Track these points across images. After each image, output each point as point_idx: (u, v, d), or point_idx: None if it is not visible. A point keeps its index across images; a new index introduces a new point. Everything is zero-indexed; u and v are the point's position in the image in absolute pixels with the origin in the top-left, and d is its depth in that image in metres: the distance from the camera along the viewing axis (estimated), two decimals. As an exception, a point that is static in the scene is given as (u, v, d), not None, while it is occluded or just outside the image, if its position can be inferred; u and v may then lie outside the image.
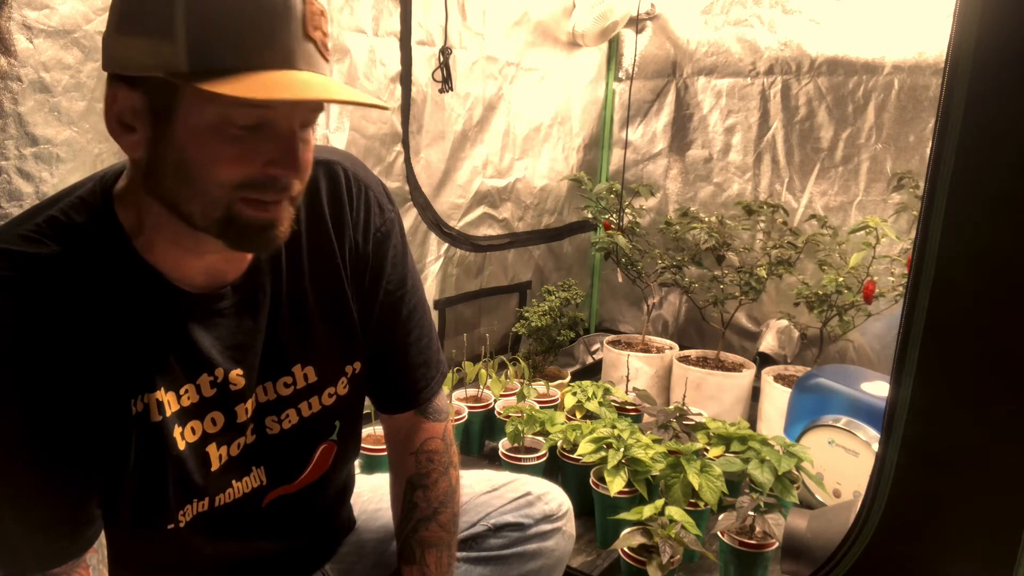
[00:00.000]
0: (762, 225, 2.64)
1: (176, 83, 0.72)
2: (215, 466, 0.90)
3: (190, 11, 0.71)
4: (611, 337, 2.89)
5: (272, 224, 0.80)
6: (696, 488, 1.63)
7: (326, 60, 0.79)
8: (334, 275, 0.97)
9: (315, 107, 0.81)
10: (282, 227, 0.82)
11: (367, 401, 1.10)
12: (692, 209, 2.78)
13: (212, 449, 0.90)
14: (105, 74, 0.78)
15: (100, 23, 1.40)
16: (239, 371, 0.90)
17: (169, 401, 0.85)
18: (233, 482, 0.94)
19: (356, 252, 0.99)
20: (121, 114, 0.77)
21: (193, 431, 0.88)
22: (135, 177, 0.81)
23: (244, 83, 0.71)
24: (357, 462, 1.83)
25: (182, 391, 0.86)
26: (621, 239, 2.63)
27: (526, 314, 2.64)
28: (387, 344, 1.05)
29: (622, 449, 1.76)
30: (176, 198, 0.78)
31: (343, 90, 0.78)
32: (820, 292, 2.33)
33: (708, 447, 1.91)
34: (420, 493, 1.08)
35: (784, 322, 2.66)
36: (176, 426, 0.86)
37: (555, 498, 1.22)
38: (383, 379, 1.07)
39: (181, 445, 0.87)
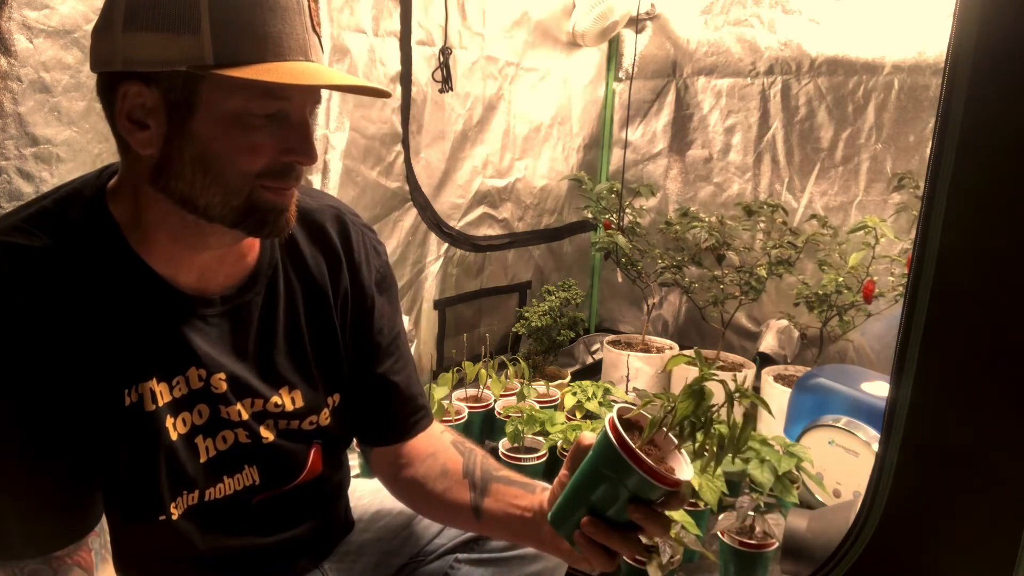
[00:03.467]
0: (762, 225, 2.64)
1: (198, 75, 0.74)
2: (203, 458, 0.91)
3: (214, 5, 0.73)
4: (611, 337, 2.89)
5: (286, 208, 0.85)
6: (696, 488, 1.63)
7: (323, 51, 0.84)
8: (328, 311, 1.01)
9: (319, 97, 0.85)
10: (292, 211, 0.86)
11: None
12: (692, 209, 2.77)
13: (200, 441, 0.91)
14: (89, 52, 0.79)
15: (100, 23, 1.40)
16: (221, 376, 0.91)
17: (161, 392, 0.86)
18: (224, 478, 0.94)
19: (361, 290, 1.04)
20: (132, 111, 0.78)
21: (184, 422, 0.89)
22: (139, 173, 0.82)
23: (272, 71, 0.74)
24: (357, 464, 1.83)
25: (174, 382, 0.87)
26: (621, 239, 2.63)
27: (526, 314, 2.64)
28: (393, 374, 1.08)
29: (622, 449, 1.75)
30: (192, 191, 0.80)
31: (353, 79, 0.83)
32: (820, 292, 2.33)
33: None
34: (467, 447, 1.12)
35: (784, 322, 2.66)
36: (168, 416, 0.87)
37: None
38: (391, 407, 1.09)
39: (173, 435, 0.87)
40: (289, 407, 0.97)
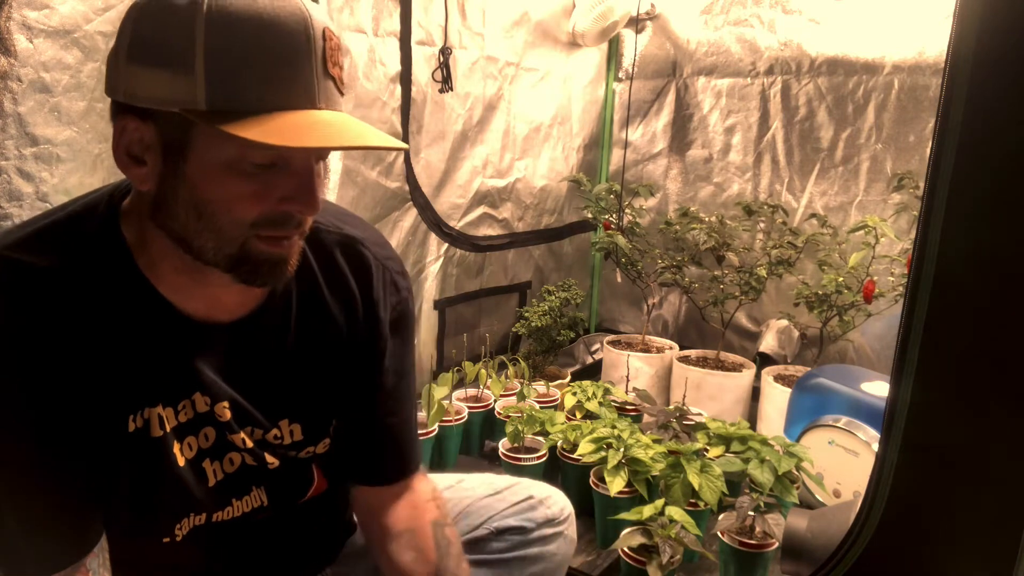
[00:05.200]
0: (762, 225, 2.64)
1: (192, 119, 0.70)
2: (211, 482, 0.90)
3: (210, 46, 0.68)
4: (611, 337, 2.89)
5: (284, 259, 0.80)
6: (696, 488, 1.63)
7: (343, 94, 0.77)
8: (338, 347, 0.97)
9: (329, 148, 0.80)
10: (292, 260, 0.81)
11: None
12: (692, 209, 2.78)
13: (207, 464, 0.90)
14: (104, 75, 0.77)
15: (100, 23, 1.40)
16: (225, 404, 0.89)
17: (167, 416, 0.85)
18: (233, 500, 0.93)
19: (373, 331, 0.99)
20: (130, 146, 0.74)
21: (190, 447, 0.88)
22: (142, 206, 0.79)
23: (266, 126, 0.68)
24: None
25: (180, 407, 0.86)
26: (621, 239, 2.63)
27: (526, 314, 2.64)
28: (388, 415, 1.04)
29: (622, 449, 1.76)
30: (186, 233, 0.76)
31: (364, 133, 0.74)
32: (820, 292, 2.33)
33: (708, 447, 1.91)
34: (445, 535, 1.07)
35: (784, 322, 2.66)
36: (175, 442, 0.86)
37: (557, 502, 1.22)
38: (376, 450, 1.05)
39: (181, 461, 0.86)
40: (287, 440, 0.95)
